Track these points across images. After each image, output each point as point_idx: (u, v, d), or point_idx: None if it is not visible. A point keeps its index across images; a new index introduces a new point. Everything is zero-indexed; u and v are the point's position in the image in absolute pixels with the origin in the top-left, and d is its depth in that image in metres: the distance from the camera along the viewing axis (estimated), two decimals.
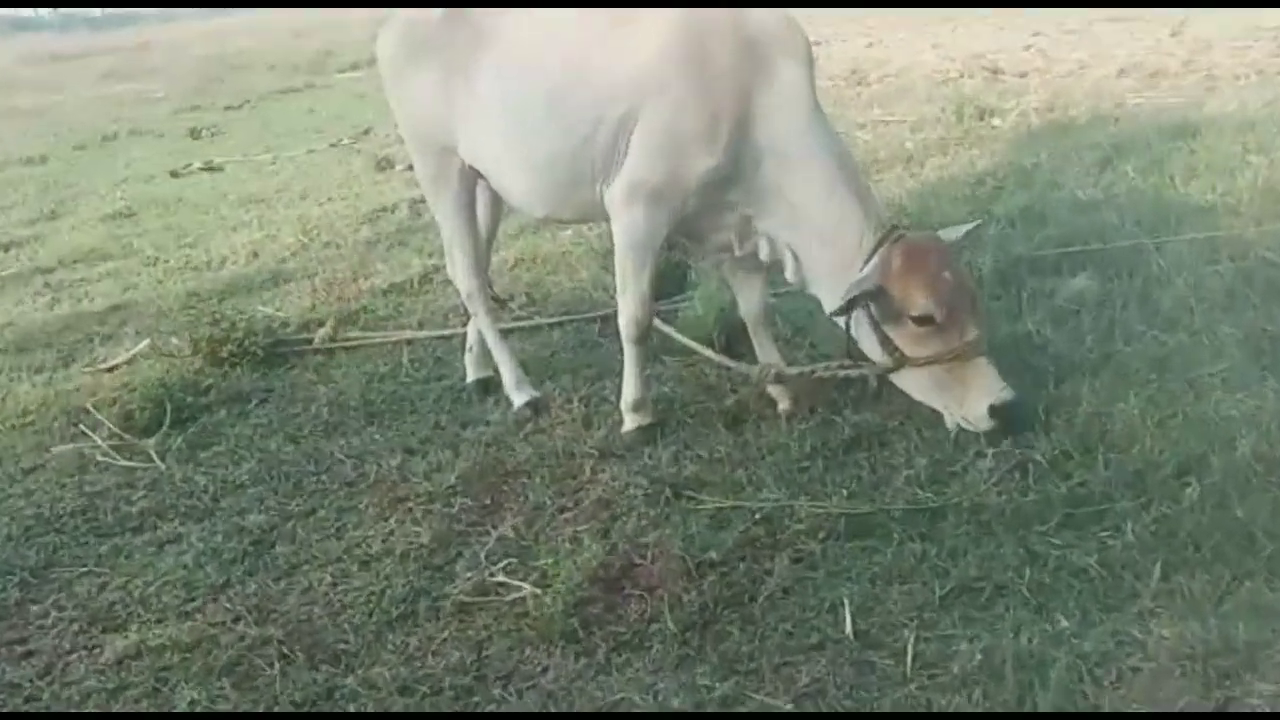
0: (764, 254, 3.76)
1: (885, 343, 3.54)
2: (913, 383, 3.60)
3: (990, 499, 3.18)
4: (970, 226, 3.86)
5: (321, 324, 5.38)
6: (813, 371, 3.85)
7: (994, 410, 3.44)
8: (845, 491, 3.35)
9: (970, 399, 3.49)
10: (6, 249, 8.06)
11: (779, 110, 3.59)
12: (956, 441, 3.53)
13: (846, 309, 3.53)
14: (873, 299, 3.47)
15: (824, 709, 2.48)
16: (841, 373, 3.78)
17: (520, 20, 3.93)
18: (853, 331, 3.63)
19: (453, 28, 3.98)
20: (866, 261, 3.53)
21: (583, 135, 3.72)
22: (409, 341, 5.12)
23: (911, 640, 2.65)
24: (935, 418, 3.62)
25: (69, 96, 20.58)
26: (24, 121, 17.40)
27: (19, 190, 10.73)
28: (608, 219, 3.90)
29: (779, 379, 3.92)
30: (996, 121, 8.19)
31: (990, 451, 3.39)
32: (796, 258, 3.70)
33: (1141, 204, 5.64)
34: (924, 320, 3.44)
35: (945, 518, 3.14)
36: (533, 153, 3.87)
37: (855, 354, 3.69)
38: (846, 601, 2.83)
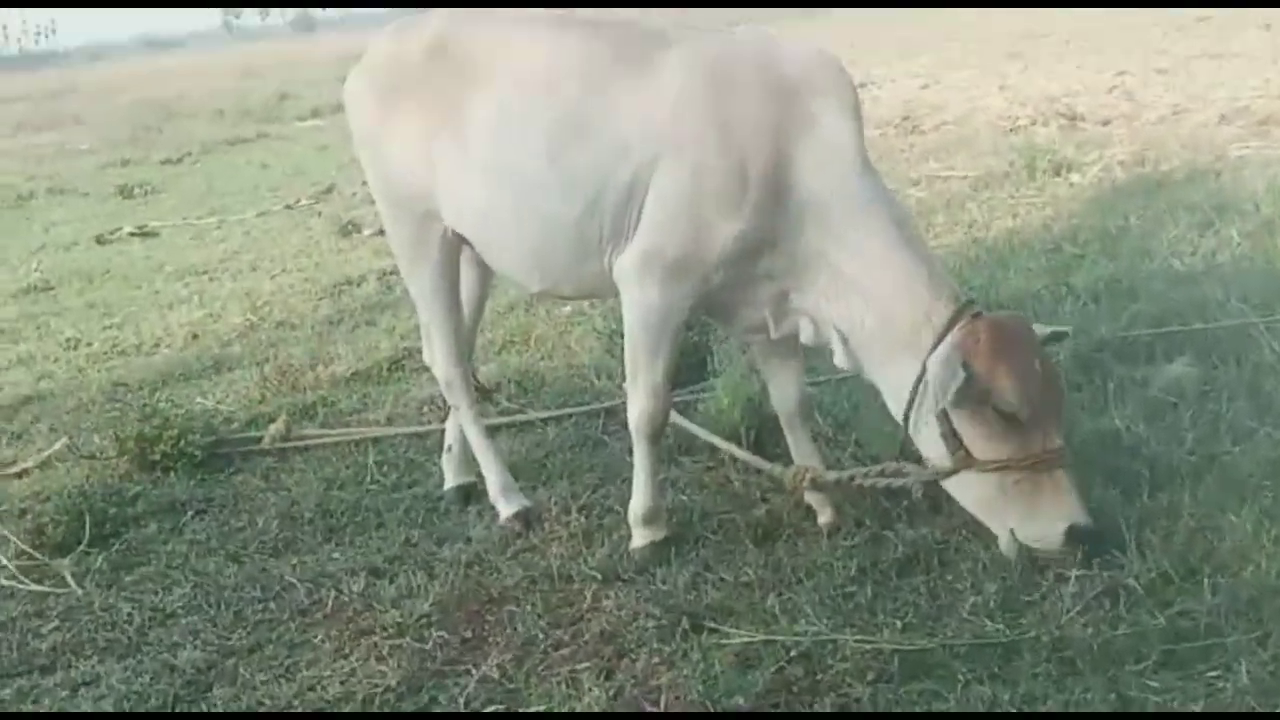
0: (806, 336, 3.77)
1: (950, 437, 3.48)
2: (973, 491, 3.55)
3: (1073, 632, 3.14)
4: (1055, 330, 3.82)
5: (272, 419, 5.41)
6: (856, 477, 3.84)
7: (1071, 534, 3.43)
8: (899, 623, 3.32)
9: (1042, 517, 3.46)
10: None
11: (820, 165, 3.60)
12: (1033, 564, 3.51)
13: (914, 396, 3.52)
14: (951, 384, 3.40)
15: None
16: (893, 481, 3.77)
17: (516, 60, 3.97)
18: (912, 423, 3.60)
19: (436, 67, 4.02)
20: (938, 342, 3.47)
21: (588, 198, 3.74)
22: (376, 440, 5.15)
23: None
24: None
25: None
26: None
27: None
28: (616, 295, 3.92)
29: (818, 485, 3.92)
30: (1075, 177, 8.29)
31: (1073, 575, 3.36)
32: (846, 340, 3.68)
33: (1250, 275, 5.69)
34: (1008, 415, 3.42)
35: (1020, 655, 3.10)
36: (529, 218, 3.89)
37: (910, 454, 3.70)
38: None
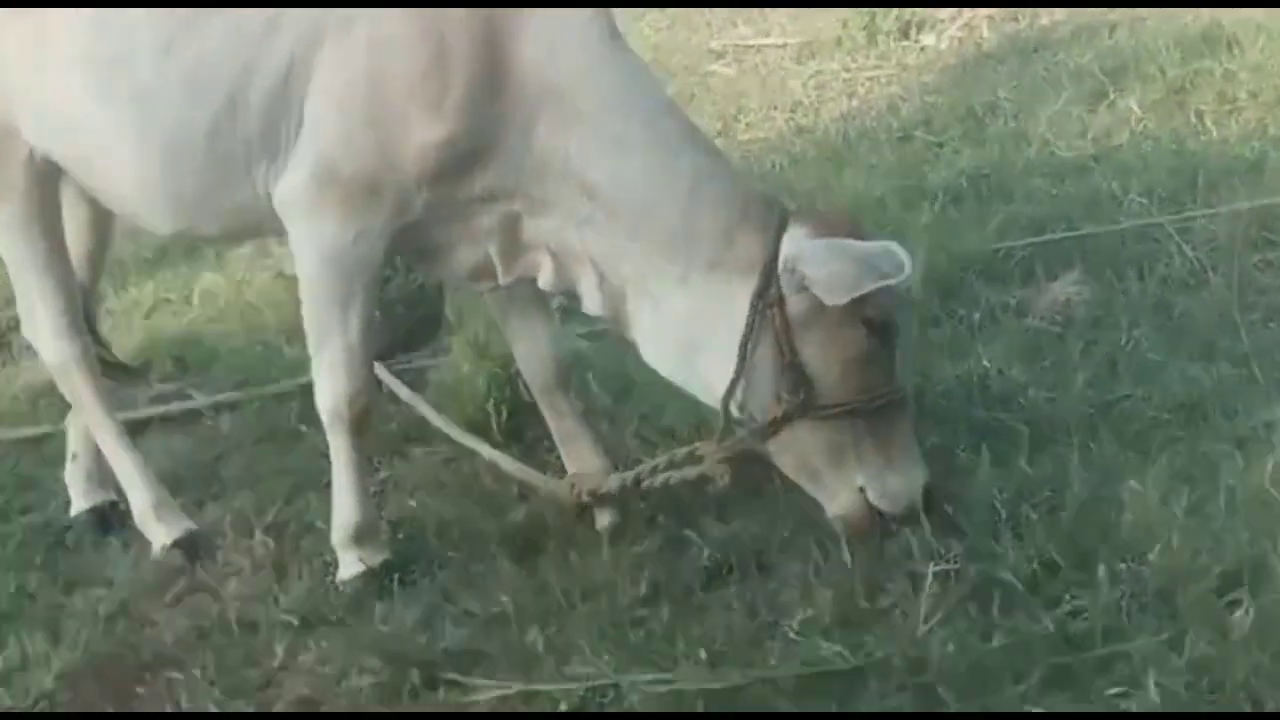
0: (545, 278, 3.75)
1: (793, 371, 3.50)
2: (809, 448, 3.59)
3: (934, 649, 3.18)
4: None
5: None
6: (645, 476, 3.83)
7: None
8: (705, 653, 3.33)
9: (899, 469, 3.56)
10: None
11: (552, 37, 3.60)
12: (882, 561, 3.55)
13: (751, 323, 3.51)
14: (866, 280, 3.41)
15: None
16: (695, 469, 3.78)
17: None
18: (744, 355, 3.55)
19: None
20: (772, 250, 3.51)
21: (221, 98, 3.66)
22: None
23: None
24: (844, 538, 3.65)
25: None
26: None
27: None
28: (274, 233, 3.90)
29: (589, 498, 3.91)
30: (929, 40, 8.42)
31: (929, 572, 3.40)
32: (604, 276, 3.69)
33: (1155, 161, 5.86)
34: (872, 327, 3.50)
35: (864, 684, 3.14)
36: (143, 132, 3.78)
37: (745, 411, 3.62)
38: None
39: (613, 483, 3.89)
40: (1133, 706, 2.95)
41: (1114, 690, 3.02)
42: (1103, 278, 4.79)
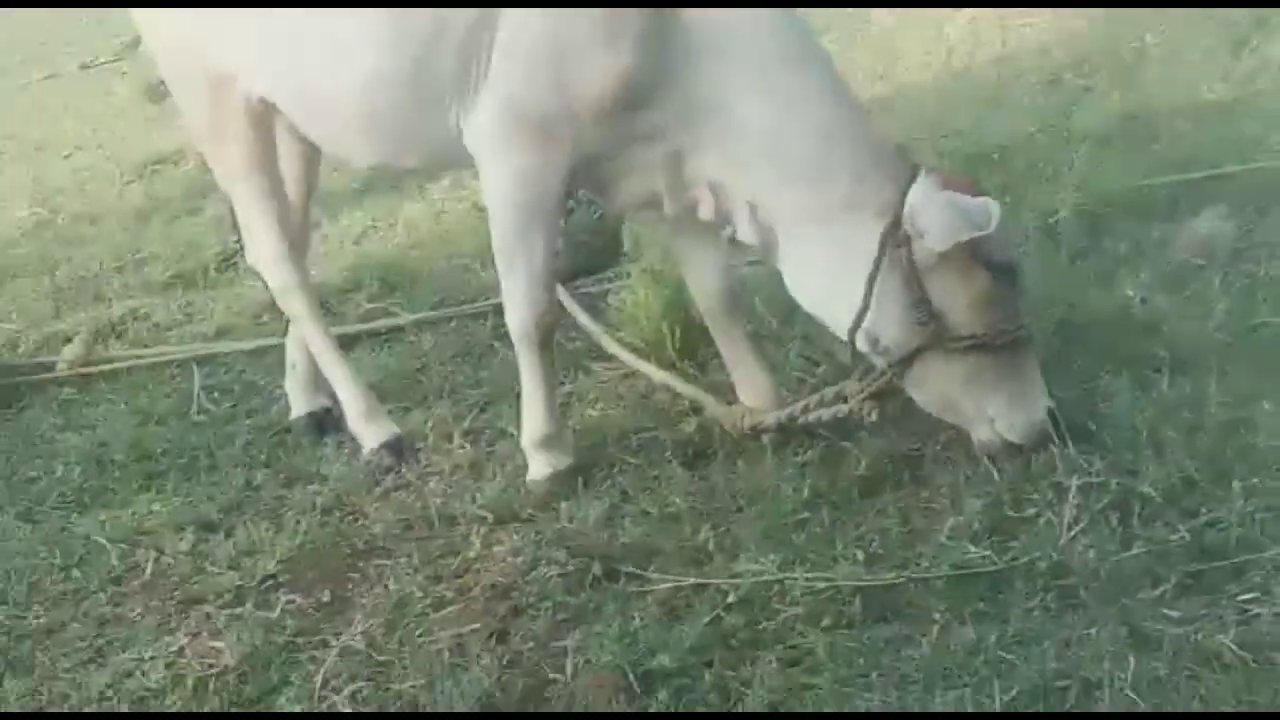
0: (705, 210, 3.77)
1: (921, 305, 3.55)
2: (944, 379, 3.63)
3: (1075, 555, 3.17)
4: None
5: (69, 339, 5.35)
6: (800, 414, 3.87)
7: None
8: (862, 554, 3.35)
9: (1027, 401, 3.60)
10: None
11: None
12: (1028, 471, 3.54)
13: (880, 258, 3.54)
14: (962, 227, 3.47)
15: None
16: (843, 409, 3.81)
17: None
18: (872, 297, 3.58)
19: None
20: (902, 195, 3.54)
21: (420, 39, 3.69)
22: (202, 361, 5.12)
23: None
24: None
25: None
26: None
27: None
28: (463, 164, 3.93)
29: (759, 433, 3.91)
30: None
31: (1074, 484, 3.38)
32: (755, 210, 3.69)
33: None
34: (1000, 272, 3.53)
35: (1011, 586, 3.13)
36: (350, 73, 3.82)
37: (874, 345, 3.65)
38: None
39: (771, 420, 3.91)
40: (1263, 612, 2.92)
41: (1246, 596, 2.99)
42: (1243, 214, 4.70)
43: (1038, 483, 3.48)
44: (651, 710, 2.95)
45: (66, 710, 3.34)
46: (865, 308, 3.57)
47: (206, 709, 3.24)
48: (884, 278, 3.56)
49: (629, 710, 2.97)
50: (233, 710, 3.25)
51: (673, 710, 2.96)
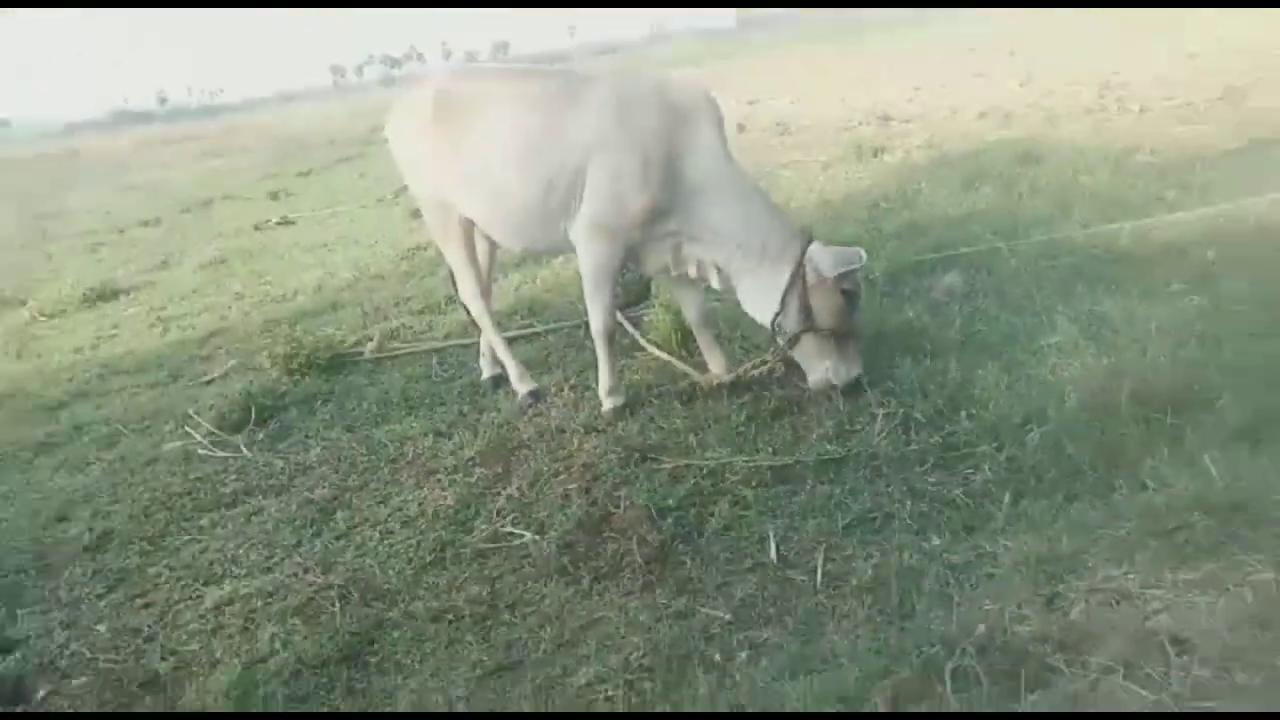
0: (693, 272, 3.74)
1: (804, 310, 3.53)
2: (809, 349, 3.59)
3: (881, 449, 3.16)
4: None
5: (370, 339, 5.35)
6: (741, 373, 3.82)
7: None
8: (771, 449, 3.32)
9: (849, 363, 3.57)
10: (128, 293, 8.02)
11: (699, 158, 3.55)
12: (856, 405, 3.49)
13: (790, 284, 3.52)
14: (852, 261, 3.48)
15: (755, 617, 2.47)
16: (764, 367, 3.78)
17: (491, 101, 3.83)
18: (782, 306, 3.56)
19: (440, 112, 3.89)
20: (802, 253, 3.52)
21: (545, 185, 3.65)
22: (438, 350, 5.08)
23: (821, 560, 2.64)
24: (838, 394, 3.57)
25: (176, 171, 20.41)
26: (142, 193, 17.26)
27: (138, 247, 10.68)
28: (570, 250, 3.86)
29: (720, 387, 3.84)
30: (887, 158, 8.16)
31: (881, 413, 3.35)
32: (722, 272, 3.67)
33: (997, 216, 5.61)
34: (848, 294, 3.51)
35: (847, 465, 3.12)
36: (509, 204, 3.79)
37: (781, 328, 3.61)
38: (772, 533, 2.82)
39: (726, 379, 3.84)
40: (976, 478, 2.87)
41: (968, 470, 2.95)
42: (970, 274, 4.62)
43: (862, 412, 3.44)
44: (665, 533, 2.94)
45: None
46: (779, 310, 3.56)
47: (438, 527, 3.23)
48: (787, 296, 3.54)
49: (657, 533, 2.94)
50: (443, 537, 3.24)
51: (684, 530, 2.95)
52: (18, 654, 2.87)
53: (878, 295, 4.50)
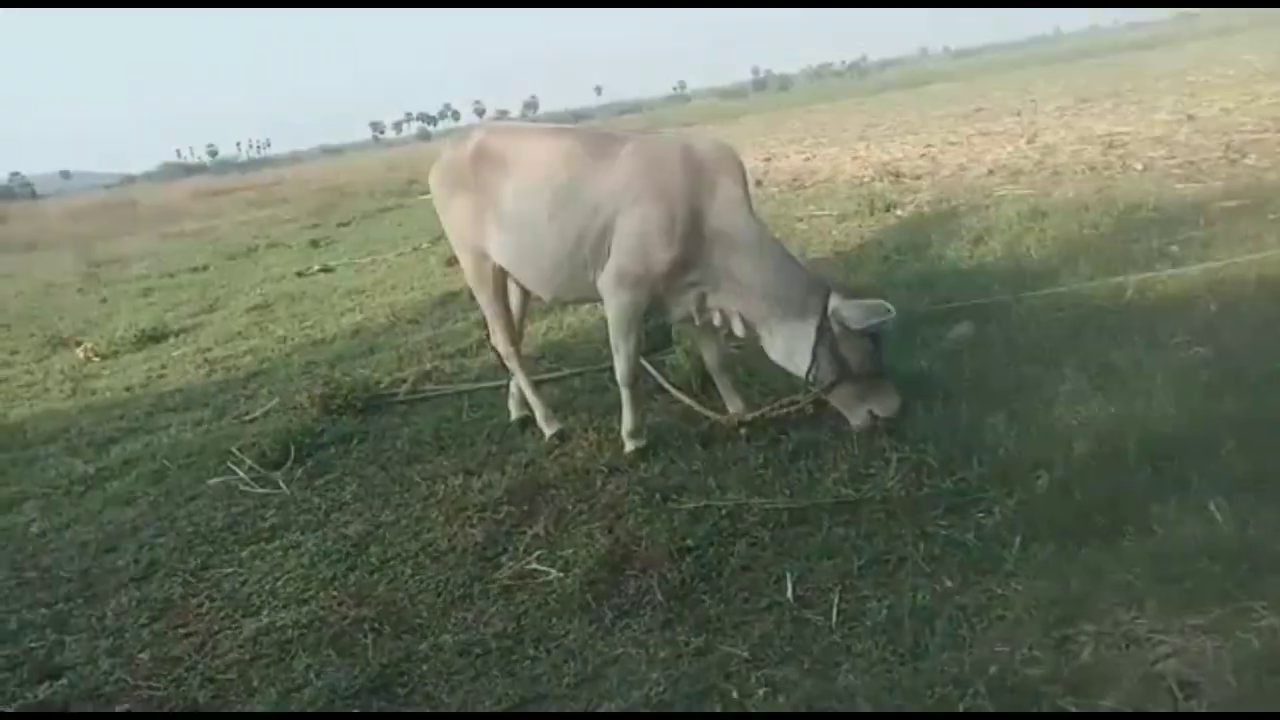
0: (716, 321, 3.74)
1: (836, 360, 3.51)
2: (848, 393, 3.56)
3: (895, 493, 3.12)
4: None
5: (404, 380, 5.41)
6: (768, 412, 3.79)
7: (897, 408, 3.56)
8: (788, 491, 3.29)
9: (891, 397, 3.56)
10: (177, 334, 8.17)
11: (721, 213, 3.56)
12: (870, 449, 3.45)
13: (818, 338, 3.51)
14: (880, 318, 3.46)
15: (772, 656, 2.44)
16: (783, 410, 3.75)
17: (527, 156, 3.90)
18: (813, 357, 3.55)
19: (479, 165, 3.98)
20: (824, 307, 3.51)
21: (575, 238, 3.70)
22: (469, 392, 5.11)
23: (836, 601, 2.61)
24: (856, 437, 3.56)
25: (224, 220, 20.79)
26: (191, 240, 17.60)
27: (186, 291, 10.88)
28: (597, 299, 3.88)
29: (741, 424, 3.84)
30: (899, 212, 8.20)
31: (895, 458, 3.33)
32: (745, 321, 3.67)
33: (1005, 269, 5.61)
34: (872, 339, 3.50)
35: (862, 508, 3.08)
36: (540, 254, 3.84)
37: (817, 380, 3.59)
38: (789, 574, 2.79)
39: (749, 417, 3.83)
40: (988, 523, 2.84)
41: (980, 515, 2.90)
42: (980, 324, 4.59)
43: (876, 457, 3.40)
44: (685, 572, 2.92)
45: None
46: (813, 363, 3.56)
47: (467, 563, 3.23)
48: (818, 349, 3.54)
49: (677, 572, 2.93)
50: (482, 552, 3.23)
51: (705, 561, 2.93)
52: (64, 680, 2.89)
53: (890, 344, 4.48)
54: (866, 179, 10.69)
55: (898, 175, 10.51)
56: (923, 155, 11.99)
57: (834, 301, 3.55)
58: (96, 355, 7.66)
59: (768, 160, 14.54)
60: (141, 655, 2.98)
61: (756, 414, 3.83)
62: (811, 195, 10.25)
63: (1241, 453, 2.86)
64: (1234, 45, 25.04)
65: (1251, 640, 2.08)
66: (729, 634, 2.58)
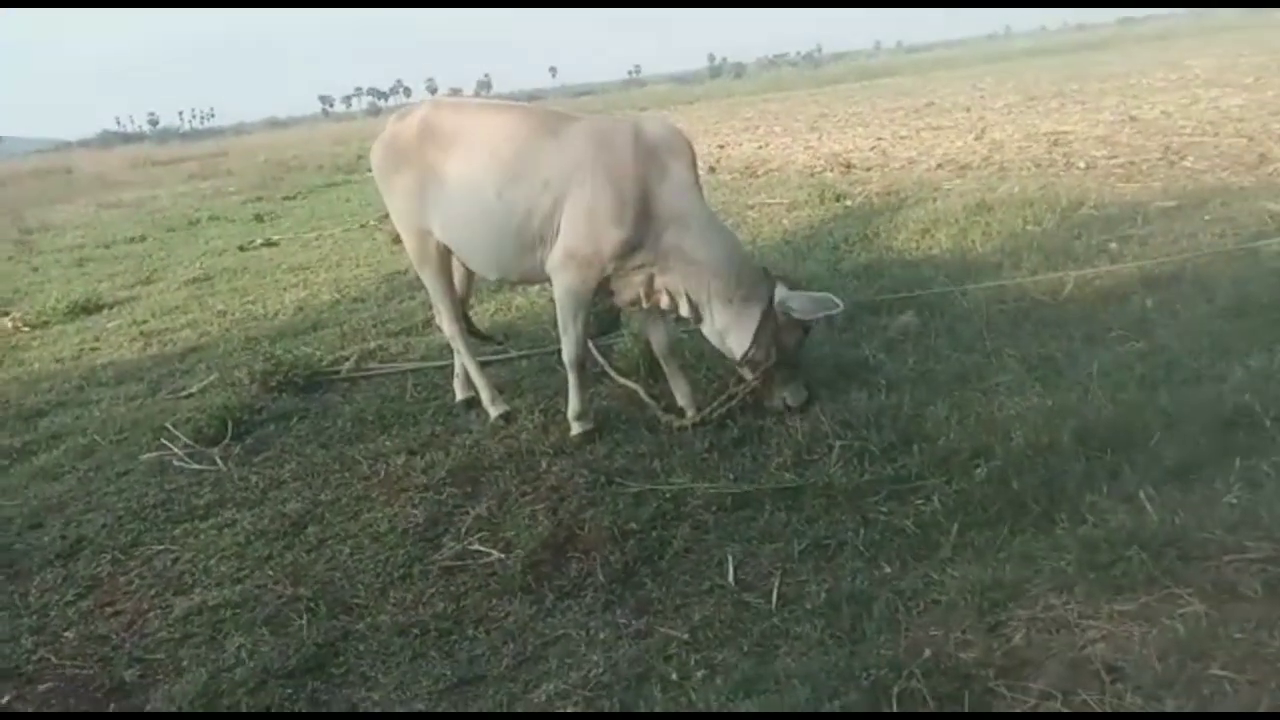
0: (664, 303, 3.72)
1: (770, 344, 3.57)
2: (771, 376, 3.64)
3: (837, 479, 3.13)
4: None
5: (348, 359, 5.31)
6: (710, 413, 3.75)
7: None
8: (732, 475, 3.29)
9: (799, 385, 3.68)
10: (111, 307, 7.90)
11: (671, 194, 3.55)
12: (814, 435, 3.47)
13: (761, 323, 3.56)
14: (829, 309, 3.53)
15: (712, 638, 2.44)
16: (730, 405, 3.74)
17: (474, 132, 3.82)
18: (752, 340, 3.59)
19: (423, 140, 3.89)
20: (770, 293, 3.56)
21: (523, 216, 3.64)
22: (413, 371, 5.03)
23: (777, 584, 2.62)
24: (797, 424, 3.57)
25: (164, 191, 20.18)
26: (129, 211, 17.05)
27: (122, 263, 10.53)
28: (543, 280, 3.84)
29: (683, 428, 3.77)
30: (848, 203, 8.27)
31: (838, 444, 3.33)
32: (692, 302, 3.66)
33: (951, 261, 5.68)
34: (805, 328, 3.60)
35: (804, 494, 3.09)
36: (486, 232, 3.78)
37: (751, 364, 3.63)
38: (730, 557, 2.79)
39: (689, 420, 3.77)
40: (926, 509, 2.85)
41: (919, 502, 2.92)
42: (924, 315, 4.64)
43: (819, 443, 3.42)
44: (628, 555, 2.91)
45: None
46: (750, 346, 3.59)
47: (408, 544, 3.18)
48: (759, 334, 3.57)
49: (620, 554, 2.92)
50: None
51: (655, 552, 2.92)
52: None
53: (836, 332, 4.54)
54: (818, 169, 10.76)
55: (848, 166, 10.59)
56: (873, 147, 12.09)
57: (781, 291, 3.57)
58: (25, 326, 7.38)
59: (721, 148, 14.55)
60: (67, 634, 2.88)
61: (698, 417, 3.78)
62: (763, 184, 10.28)
63: (1171, 444, 2.94)
64: (1176, 50, 25.73)
65: (1177, 626, 2.14)
66: (669, 616, 2.57)
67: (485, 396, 4.22)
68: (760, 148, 14.06)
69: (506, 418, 4.13)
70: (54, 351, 6.51)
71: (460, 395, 4.43)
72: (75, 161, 36.24)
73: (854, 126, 15.60)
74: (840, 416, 3.57)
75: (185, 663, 2.65)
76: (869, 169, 10.26)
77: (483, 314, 5.93)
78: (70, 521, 3.70)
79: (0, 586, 3.23)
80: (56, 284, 9.43)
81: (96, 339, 6.75)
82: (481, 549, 3.09)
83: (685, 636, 2.45)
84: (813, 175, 10.35)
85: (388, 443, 4.08)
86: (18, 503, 3.95)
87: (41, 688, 2.61)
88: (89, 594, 3.12)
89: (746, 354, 3.62)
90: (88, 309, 7.73)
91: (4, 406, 5.30)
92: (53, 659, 2.75)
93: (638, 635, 2.51)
